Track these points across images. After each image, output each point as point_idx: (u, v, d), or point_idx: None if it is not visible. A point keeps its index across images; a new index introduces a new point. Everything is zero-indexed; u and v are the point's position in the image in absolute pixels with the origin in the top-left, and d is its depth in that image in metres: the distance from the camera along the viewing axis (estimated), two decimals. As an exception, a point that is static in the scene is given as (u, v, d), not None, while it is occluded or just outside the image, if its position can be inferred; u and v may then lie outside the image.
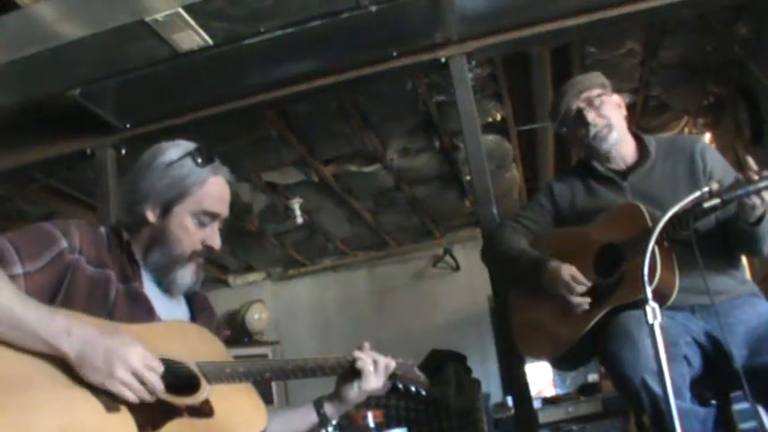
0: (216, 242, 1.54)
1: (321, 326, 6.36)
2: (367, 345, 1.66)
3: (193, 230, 1.51)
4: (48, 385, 1.17)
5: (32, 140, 3.19)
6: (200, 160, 1.52)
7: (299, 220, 4.85)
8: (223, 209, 1.56)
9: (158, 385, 1.24)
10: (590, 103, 2.13)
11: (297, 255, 6.15)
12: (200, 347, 1.44)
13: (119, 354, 1.21)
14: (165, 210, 1.50)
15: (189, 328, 1.53)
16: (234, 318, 6.03)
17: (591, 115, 2.11)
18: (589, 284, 1.96)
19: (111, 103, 2.95)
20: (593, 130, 2.11)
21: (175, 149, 1.54)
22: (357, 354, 1.63)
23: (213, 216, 1.54)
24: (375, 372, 1.62)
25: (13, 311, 1.17)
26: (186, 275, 1.53)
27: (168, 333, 1.43)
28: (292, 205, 4.76)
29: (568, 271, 1.97)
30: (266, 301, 6.27)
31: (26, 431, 1.10)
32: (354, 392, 1.63)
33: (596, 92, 2.15)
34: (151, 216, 1.51)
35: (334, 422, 1.66)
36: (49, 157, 3.24)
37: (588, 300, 1.96)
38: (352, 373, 1.63)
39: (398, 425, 3.90)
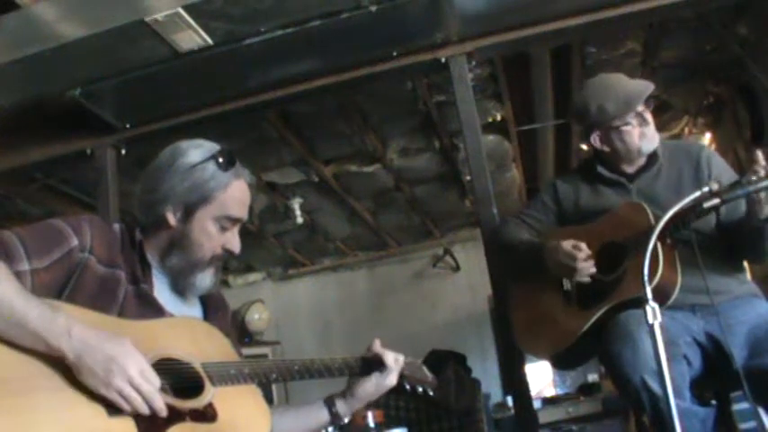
0: (236, 246, 1.52)
1: (321, 326, 6.36)
2: (378, 342, 1.65)
3: (215, 235, 1.49)
4: (49, 387, 1.16)
5: (32, 140, 3.19)
6: (222, 163, 1.49)
7: (299, 220, 4.85)
8: (245, 213, 1.54)
9: (157, 401, 1.21)
10: (644, 104, 2.12)
11: (297, 255, 6.15)
12: (208, 346, 1.42)
13: (117, 362, 1.18)
14: (187, 214, 1.47)
15: (197, 325, 1.50)
16: (234, 318, 6.02)
17: (648, 116, 2.11)
18: (589, 252, 1.96)
19: (111, 103, 2.95)
20: (648, 132, 2.10)
21: (197, 151, 1.50)
22: (381, 349, 1.62)
23: (235, 221, 1.52)
24: (393, 368, 1.61)
25: (15, 309, 1.16)
26: (206, 279, 1.51)
27: (175, 330, 1.40)
28: (292, 205, 4.76)
29: (569, 242, 1.99)
30: (266, 301, 6.27)
31: (27, 432, 1.09)
32: (371, 387, 1.62)
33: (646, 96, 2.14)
34: (172, 219, 1.47)
35: (346, 420, 1.64)
36: (49, 157, 3.24)
37: (592, 263, 1.96)
38: (371, 366, 1.61)
39: (398, 425, 3.90)
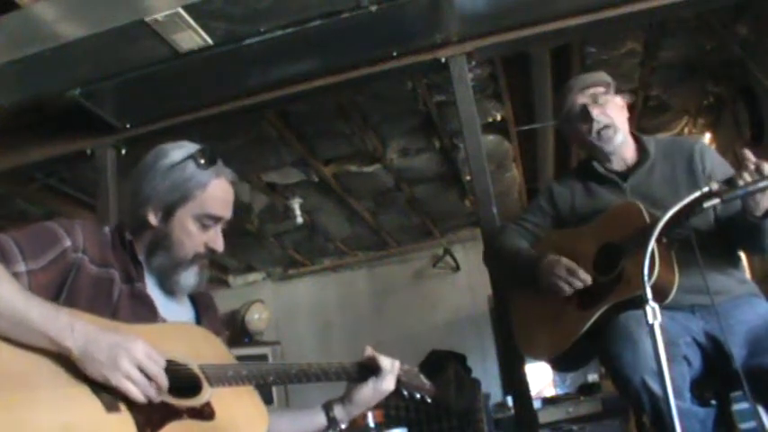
0: (219, 245, 1.54)
1: (321, 326, 6.36)
2: (370, 348, 1.66)
3: (196, 233, 1.51)
4: (48, 383, 1.17)
5: (32, 140, 3.19)
6: (202, 162, 1.50)
7: (299, 220, 4.85)
8: (226, 211, 1.55)
9: (163, 380, 1.23)
10: (595, 99, 2.12)
11: (297, 255, 6.15)
12: (204, 349, 1.44)
13: (123, 347, 1.20)
14: (168, 213, 1.49)
15: (193, 330, 1.52)
16: (234, 318, 6.04)
17: (595, 112, 2.10)
18: (588, 278, 1.96)
19: (111, 103, 2.95)
20: (596, 127, 2.10)
21: (178, 151, 1.53)
22: (374, 353, 1.64)
23: (216, 219, 1.53)
24: (391, 371, 1.63)
25: (16, 308, 1.17)
26: (190, 277, 1.53)
27: (172, 334, 1.42)
28: (292, 205, 4.76)
29: (566, 261, 1.98)
30: (266, 301, 6.27)
31: (26, 429, 1.10)
32: (369, 391, 1.63)
33: (601, 89, 2.14)
34: (153, 219, 1.50)
35: (343, 426, 1.65)
36: (49, 157, 3.24)
37: (588, 278, 1.96)
38: (368, 372, 1.63)
39: (398, 425, 3.90)
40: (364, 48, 2.83)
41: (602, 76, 2.19)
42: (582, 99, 2.12)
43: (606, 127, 2.10)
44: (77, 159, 3.25)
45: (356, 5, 2.53)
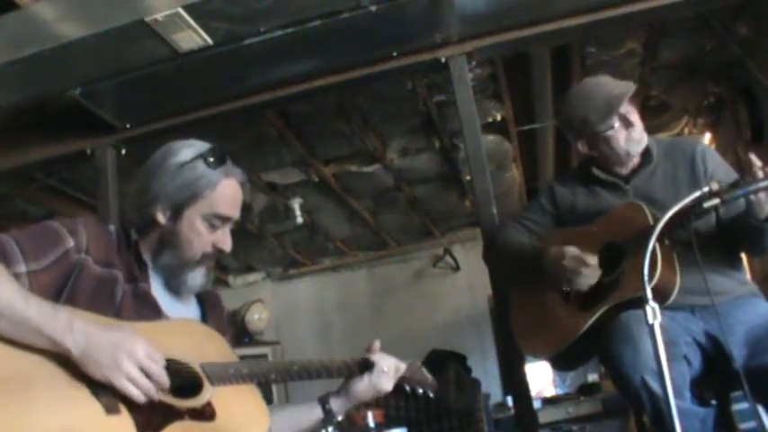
0: (227, 245, 1.53)
1: (321, 326, 6.36)
2: (377, 344, 1.66)
3: (204, 233, 1.50)
4: (48, 385, 1.16)
5: (32, 140, 3.19)
6: (212, 161, 1.50)
7: (299, 220, 4.85)
8: (235, 212, 1.54)
9: (165, 380, 1.23)
10: (627, 106, 2.11)
11: (297, 255, 6.15)
12: (206, 347, 1.43)
13: (125, 347, 1.20)
14: (176, 212, 1.48)
15: (195, 327, 1.52)
16: (234, 318, 6.03)
17: (632, 117, 2.09)
18: (595, 261, 1.96)
19: (111, 103, 2.95)
20: (634, 134, 2.09)
21: (188, 150, 1.52)
22: (376, 352, 1.64)
23: (225, 219, 1.52)
24: (387, 372, 1.63)
25: (15, 307, 1.17)
26: (197, 277, 1.52)
27: (173, 332, 1.41)
28: (292, 205, 4.76)
29: (572, 250, 1.98)
30: (266, 301, 6.27)
31: (25, 431, 1.10)
32: (364, 386, 1.63)
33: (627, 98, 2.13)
34: (161, 218, 1.49)
35: (339, 418, 1.65)
36: (49, 157, 3.24)
37: (599, 272, 1.95)
38: (363, 367, 1.63)
39: (398, 425, 3.90)
40: (364, 48, 2.83)
41: (628, 84, 2.16)
42: (624, 107, 2.08)
43: (640, 132, 2.10)
44: (77, 159, 3.25)
45: (356, 5, 2.53)
